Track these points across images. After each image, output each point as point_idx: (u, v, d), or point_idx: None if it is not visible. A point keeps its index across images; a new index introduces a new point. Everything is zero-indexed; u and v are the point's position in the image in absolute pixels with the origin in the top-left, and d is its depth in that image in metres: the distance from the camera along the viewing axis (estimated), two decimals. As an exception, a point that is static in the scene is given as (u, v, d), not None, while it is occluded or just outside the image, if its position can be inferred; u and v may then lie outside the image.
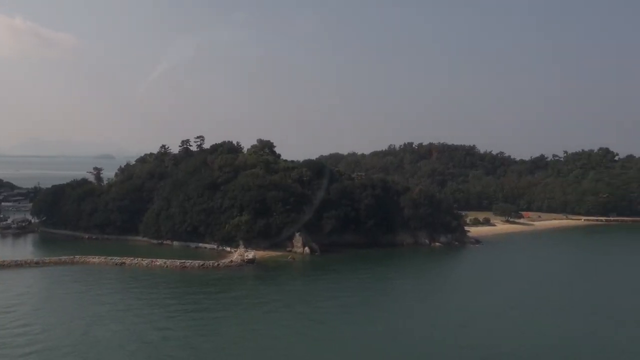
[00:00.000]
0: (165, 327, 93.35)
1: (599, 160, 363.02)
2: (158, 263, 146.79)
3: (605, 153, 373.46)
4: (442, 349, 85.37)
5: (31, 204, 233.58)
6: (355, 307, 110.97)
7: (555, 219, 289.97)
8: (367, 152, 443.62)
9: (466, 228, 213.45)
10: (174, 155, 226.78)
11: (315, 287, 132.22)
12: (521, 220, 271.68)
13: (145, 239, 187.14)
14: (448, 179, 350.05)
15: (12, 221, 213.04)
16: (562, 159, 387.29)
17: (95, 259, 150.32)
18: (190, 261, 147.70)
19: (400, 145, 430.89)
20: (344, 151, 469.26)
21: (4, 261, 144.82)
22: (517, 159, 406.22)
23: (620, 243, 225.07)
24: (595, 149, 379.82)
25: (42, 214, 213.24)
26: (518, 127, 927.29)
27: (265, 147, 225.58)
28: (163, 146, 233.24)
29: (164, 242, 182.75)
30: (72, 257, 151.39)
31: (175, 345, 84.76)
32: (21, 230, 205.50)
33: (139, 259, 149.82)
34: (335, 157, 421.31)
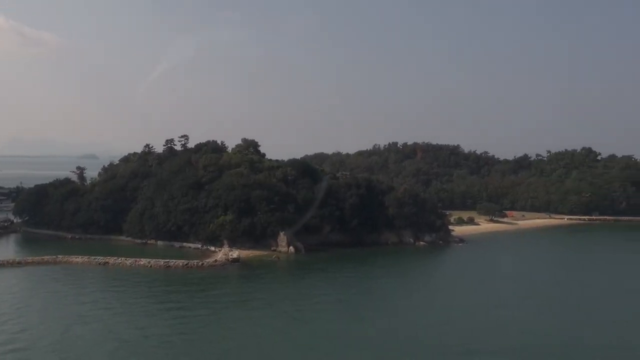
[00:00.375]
0: (145, 326, 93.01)
1: (582, 160, 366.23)
2: (142, 263, 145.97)
3: (588, 153, 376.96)
4: (426, 348, 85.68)
5: (13, 204, 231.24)
6: (339, 306, 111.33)
7: (538, 218, 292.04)
8: (351, 151, 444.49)
9: (450, 227, 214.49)
10: (158, 154, 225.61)
11: (299, 286, 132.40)
12: (505, 220, 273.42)
13: (129, 238, 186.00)
14: (432, 178, 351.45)
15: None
16: (545, 158, 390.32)
17: (78, 259, 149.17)
18: (174, 261, 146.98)
19: (385, 145, 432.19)
20: (329, 150, 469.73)
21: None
22: (501, 158, 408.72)
23: (602, 242, 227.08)
24: (578, 148, 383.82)
25: (25, 214, 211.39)
26: (502, 126, 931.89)
27: (249, 147, 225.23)
28: (147, 145, 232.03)
29: (148, 241, 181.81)
30: (54, 256, 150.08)
31: (155, 343, 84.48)
32: (3, 230, 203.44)
33: (123, 258, 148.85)
34: (320, 157, 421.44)
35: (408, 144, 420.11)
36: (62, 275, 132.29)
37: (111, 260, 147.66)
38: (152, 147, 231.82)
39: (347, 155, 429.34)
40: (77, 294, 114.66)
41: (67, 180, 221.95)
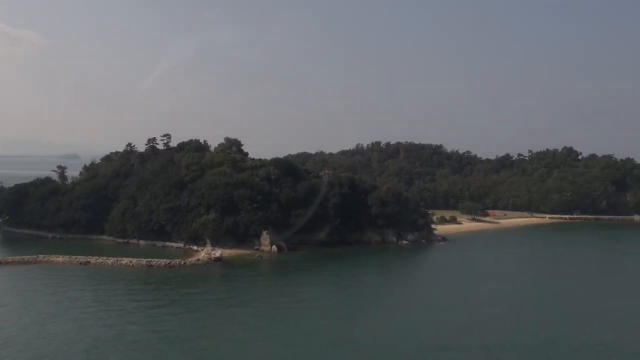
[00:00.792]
0: (122, 325, 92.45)
1: (563, 160, 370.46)
2: (124, 262, 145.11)
3: (569, 152, 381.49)
4: (404, 344, 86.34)
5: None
6: (320, 305, 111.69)
7: (520, 217, 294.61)
8: (335, 151, 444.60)
9: (433, 226, 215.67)
10: (140, 153, 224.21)
11: (281, 285, 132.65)
12: (487, 219, 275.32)
13: (110, 238, 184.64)
14: (415, 177, 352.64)
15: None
16: (527, 158, 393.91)
17: (60, 258, 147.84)
18: (156, 260, 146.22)
19: (368, 145, 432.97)
20: (313, 150, 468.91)
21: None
22: (483, 158, 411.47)
23: (583, 241, 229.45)
24: (560, 148, 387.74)
25: (5, 214, 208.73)
26: (484, 126, 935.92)
27: (232, 146, 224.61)
28: (129, 144, 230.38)
29: (130, 241, 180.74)
30: (35, 256, 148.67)
31: (130, 342, 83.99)
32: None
33: (104, 258, 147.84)
34: (303, 156, 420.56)
35: (391, 143, 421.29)
36: (42, 274, 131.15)
37: (92, 259, 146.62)
38: (134, 146, 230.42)
39: (331, 154, 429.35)
40: (56, 293, 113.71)
41: (48, 180, 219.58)
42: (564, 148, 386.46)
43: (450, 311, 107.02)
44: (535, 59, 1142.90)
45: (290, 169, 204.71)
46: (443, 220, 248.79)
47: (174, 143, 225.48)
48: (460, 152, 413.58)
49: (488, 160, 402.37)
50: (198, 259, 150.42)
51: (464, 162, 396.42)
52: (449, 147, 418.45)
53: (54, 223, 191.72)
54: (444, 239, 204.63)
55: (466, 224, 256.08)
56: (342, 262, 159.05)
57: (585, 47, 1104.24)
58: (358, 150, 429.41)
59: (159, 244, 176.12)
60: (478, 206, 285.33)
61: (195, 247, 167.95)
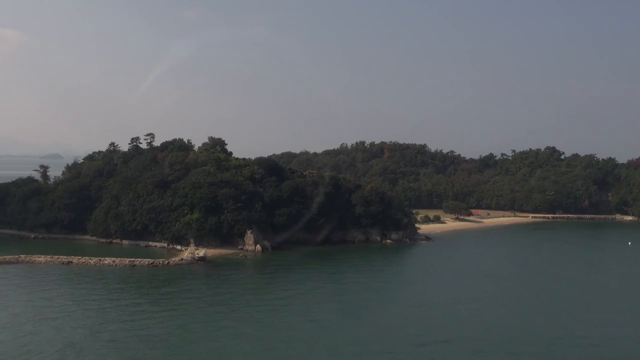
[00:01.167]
0: (99, 325, 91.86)
1: (546, 159, 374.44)
2: (107, 262, 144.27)
3: (552, 152, 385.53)
4: (384, 341, 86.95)
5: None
6: (302, 304, 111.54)
7: (503, 216, 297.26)
8: (319, 150, 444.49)
9: (417, 225, 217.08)
10: (124, 153, 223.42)
11: (263, 284, 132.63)
12: (471, 218, 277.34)
13: (93, 238, 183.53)
14: (399, 177, 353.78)
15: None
16: (510, 157, 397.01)
17: (41, 258, 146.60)
18: (139, 260, 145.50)
19: (353, 144, 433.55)
20: (297, 150, 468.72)
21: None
22: (467, 157, 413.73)
23: (566, 240, 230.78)
24: (543, 148, 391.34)
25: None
26: (468, 126, 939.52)
27: (216, 145, 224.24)
28: (112, 144, 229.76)
29: (113, 241, 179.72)
30: (16, 256, 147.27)
31: (106, 342, 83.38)
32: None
33: (87, 257, 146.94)
34: (288, 156, 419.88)
35: (375, 143, 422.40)
36: (23, 274, 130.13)
37: (75, 259, 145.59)
38: (117, 145, 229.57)
39: (315, 154, 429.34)
40: (34, 292, 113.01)
41: (30, 179, 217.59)
42: (547, 148, 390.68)
43: (434, 308, 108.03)
44: (518, 60, 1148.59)
45: (275, 169, 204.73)
46: (427, 220, 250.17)
47: (157, 142, 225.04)
48: (444, 151, 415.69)
49: (472, 160, 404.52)
50: (182, 259, 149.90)
51: (447, 162, 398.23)
52: (432, 147, 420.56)
53: (36, 223, 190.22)
54: (427, 238, 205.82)
55: (450, 223, 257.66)
56: (326, 261, 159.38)
57: (564, 47, 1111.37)
58: (342, 150, 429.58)
59: (143, 243, 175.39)
60: (462, 205, 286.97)
61: (179, 247, 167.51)
